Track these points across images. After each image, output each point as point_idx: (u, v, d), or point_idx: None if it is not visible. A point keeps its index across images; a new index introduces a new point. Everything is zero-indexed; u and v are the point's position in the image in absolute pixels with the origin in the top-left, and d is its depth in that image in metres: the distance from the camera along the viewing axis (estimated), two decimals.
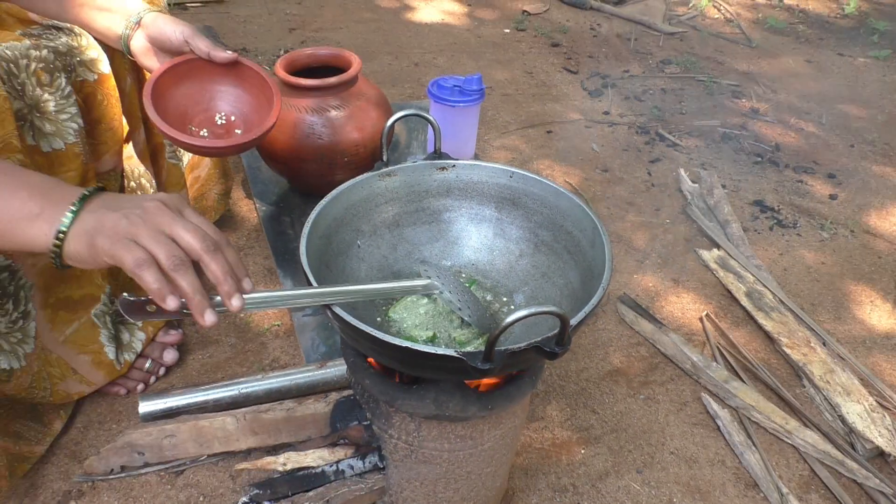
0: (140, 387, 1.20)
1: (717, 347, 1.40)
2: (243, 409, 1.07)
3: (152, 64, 1.06)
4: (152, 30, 1.03)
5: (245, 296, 0.72)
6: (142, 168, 1.21)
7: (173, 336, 1.25)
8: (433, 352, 0.71)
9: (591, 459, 1.16)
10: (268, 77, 1.13)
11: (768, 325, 1.43)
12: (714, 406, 1.26)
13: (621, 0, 3.12)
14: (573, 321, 0.74)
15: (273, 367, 1.26)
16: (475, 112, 1.58)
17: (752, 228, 1.76)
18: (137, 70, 1.20)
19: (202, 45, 1.05)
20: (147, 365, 1.21)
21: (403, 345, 0.72)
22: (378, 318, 0.95)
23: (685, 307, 1.51)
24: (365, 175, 0.98)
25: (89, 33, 1.07)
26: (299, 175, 1.54)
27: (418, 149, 1.84)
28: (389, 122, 0.98)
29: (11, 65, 0.94)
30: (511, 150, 2.00)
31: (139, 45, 1.05)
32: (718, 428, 1.23)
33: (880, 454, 1.20)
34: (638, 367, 1.35)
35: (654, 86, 2.46)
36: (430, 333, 0.91)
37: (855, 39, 2.98)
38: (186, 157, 1.38)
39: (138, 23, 1.03)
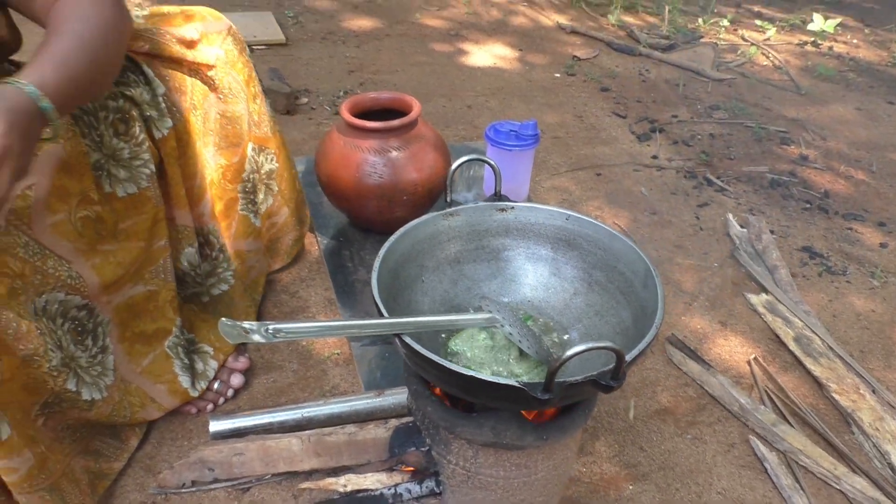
0: (210, 407, 1.27)
1: (766, 391, 1.41)
2: (308, 432, 1.13)
3: None
4: None
5: (324, 323, 0.79)
6: (211, 225, 1.27)
7: (242, 363, 1.32)
8: (497, 381, 0.77)
9: (638, 496, 1.19)
10: None
11: (817, 370, 1.45)
12: (762, 449, 1.28)
13: (670, 46, 3.19)
14: (628, 357, 0.79)
15: (333, 394, 1.32)
16: (530, 156, 1.65)
17: (800, 274, 1.78)
18: (210, 133, 1.25)
19: None
20: (216, 386, 1.28)
21: (468, 374, 0.78)
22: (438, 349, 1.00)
23: (733, 350, 1.53)
24: (430, 214, 1.04)
25: None
26: (360, 212, 1.62)
27: (470, 188, 1.91)
28: (454, 167, 1.05)
29: (91, 118, 1.01)
30: (561, 191, 2.06)
31: None
32: (766, 470, 1.25)
33: None
34: (685, 407, 1.38)
35: (702, 131, 2.50)
36: (490, 366, 0.96)
37: None
38: (264, 206, 1.45)
39: None
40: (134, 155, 1.07)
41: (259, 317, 1.47)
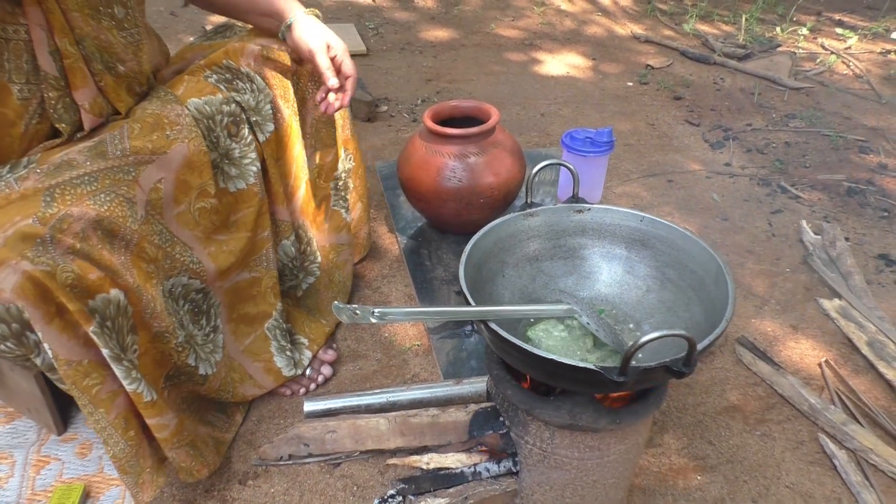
0: (302, 391, 1.38)
1: (836, 392, 1.44)
2: (394, 413, 1.22)
3: (307, 64, 1.27)
4: (290, 42, 1.24)
5: (421, 309, 0.88)
6: (301, 220, 1.38)
7: (330, 355, 1.43)
8: (576, 364, 0.84)
9: (707, 486, 1.23)
10: None
11: (890, 374, 1.46)
12: (831, 446, 1.30)
13: (746, 55, 3.18)
14: (700, 345, 0.85)
15: (414, 381, 1.42)
16: (604, 162, 1.71)
17: (875, 281, 1.78)
18: (307, 136, 1.37)
19: (321, 65, 1.22)
20: (308, 372, 1.39)
21: (550, 357, 0.85)
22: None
23: (804, 353, 1.55)
24: (512, 215, 1.13)
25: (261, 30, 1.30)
26: (439, 213, 1.72)
27: (545, 192, 1.98)
28: (535, 170, 1.13)
29: (210, 121, 1.14)
30: (633, 196, 2.11)
31: (291, 47, 1.25)
32: (835, 467, 1.28)
33: None
34: (754, 405, 1.41)
35: (777, 139, 2.51)
36: (568, 356, 1.03)
37: None
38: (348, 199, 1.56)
39: (289, 27, 1.23)
40: (243, 154, 1.19)
41: None
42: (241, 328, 1.29)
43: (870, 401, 1.42)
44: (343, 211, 1.49)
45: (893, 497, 1.22)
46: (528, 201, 1.16)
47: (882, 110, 2.77)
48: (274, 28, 1.26)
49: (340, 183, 1.47)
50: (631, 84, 2.97)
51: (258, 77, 1.23)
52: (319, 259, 1.44)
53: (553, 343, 1.06)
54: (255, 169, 1.21)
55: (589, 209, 1.15)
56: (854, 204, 2.12)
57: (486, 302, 1.07)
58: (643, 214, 1.13)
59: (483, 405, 1.21)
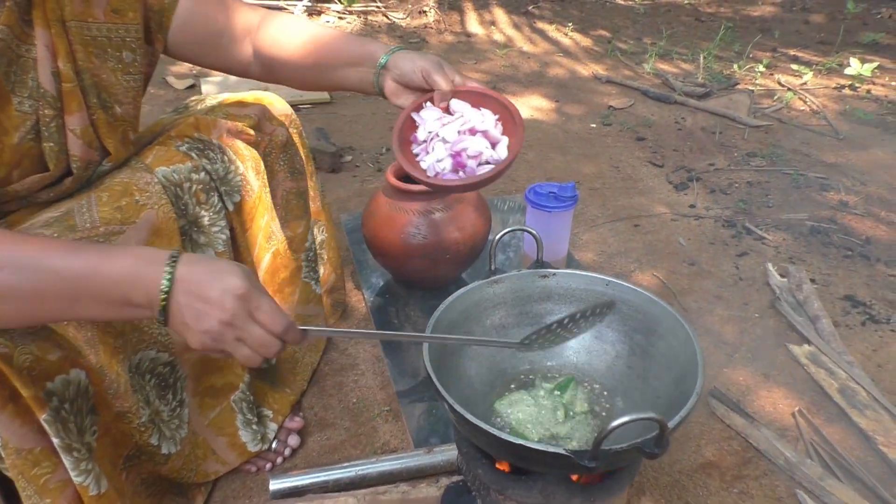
0: (268, 466, 1.33)
1: (811, 444, 1.42)
2: (363, 490, 1.18)
3: (404, 102, 1.16)
4: (394, 72, 1.13)
5: (346, 329, 0.91)
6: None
7: (297, 422, 1.39)
8: (545, 450, 0.81)
9: None
10: (509, 104, 1.14)
11: (863, 422, 1.45)
12: (810, 503, 1.28)
13: (706, 94, 3.23)
14: (670, 424, 0.83)
15: (384, 451, 1.38)
16: (569, 216, 1.71)
17: (843, 324, 1.79)
18: (277, 207, 1.36)
19: (440, 81, 1.11)
20: (274, 445, 1.34)
21: (517, 442, 0.83)
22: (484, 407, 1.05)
23: (777, 402, 1.54)
24: (476, 283, 1.10)
25: (343, 90, 1.23)
26: (405, 270, 1.69)
27: (511, 250, 1.97)
28: (497, 238, 1.11)
29: (178, 188, 1.12)
30: (599, 243, 2.11)
31: (390, 89, 1.16)
32: None
33: None
34: (730, 461, 1.39)
35: (739, 179, 2.53)
36: (534, 428, 1.01)
37: None
38: (320, 272, 1.54)
39: (384, 67, 1.13)
40: (213, 222, 1.17)
41: (313, 379, 1.54)
42: (207, 401, 1.25)
43: (845, 451, 1.41)
44: (313, 283, 1.46)
45: None
46: (492, 268, 1.13)
47: (840, 146, 2.82)
48: (365, 77, 1.16)
49: (311, 255, 1.45)
50: (594, 125, 2.99)
51: (229, 150, 1.22)
52: None
53: (522, 416, 1.03)
54: (223, 237, 1.19)
55: (554, 274, 1.14)
56: (818, 244, 2.14)
57: (453, 376, 1.04)
58: (609, 279, 1.11)
59: (455, 479, 1.17)
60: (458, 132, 1.10)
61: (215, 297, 0.80)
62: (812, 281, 1.93)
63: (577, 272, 1.13)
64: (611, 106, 3.17)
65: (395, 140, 1.12)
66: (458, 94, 1.12)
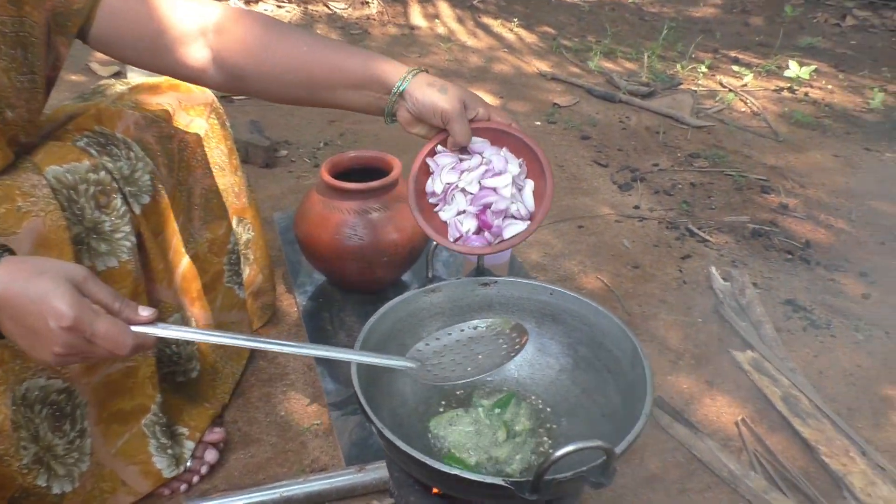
0: (183, 487, 1.22)
1: (755, 455, 1.39)
2: None
3: (420, 132, 1.01)
4: (411, 106, 0.97)
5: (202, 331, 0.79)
6: (181, 299, 1.22)
7: (217, 434, 1.28)
8: (483, 481, 0.74)
9: None
10: (535, 145, 1.00)
11: (805, 432, 1.43)
12: None
13: (650, 93, 3.22)
14: (618, 449, 0.77)
15: (313, 468, 1.28)
16: None
17: (785, 329, 1.77)
18: (195, 207, 1.24)
19: (459, 134, 0.96)
20: (189, 464, 1.23)
21: (452, 472, 0.75)
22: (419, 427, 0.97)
23: (720, 410, 1.51)
24: (411, 292, 1.02)
25: (341, 109, 1.03)
26: (339, 273, 1.60)
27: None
28: (435, 244, 1.03)
29: (71, 191, 0.98)
30: (544, 245, 2.05)
31: (404, 119, 1.00)
32: None
33: None
34: (674, 473, 1.35)
35: (683, 180, 2.52)
36: (471, 452, 0.93)
37: (881, 134, 3.02)
38: (244, 275, 1.43)
39: (400, 95, 0.97)
40: (115, 228, 1.04)
41: (237, 390, 1.43)
42: (114, 428, 1.12)
43: (787, 461, 1.38)
44: (236, 287, 1.35)
45: None
46: (429, 275, 1.05)
47: (780, 148, 2.83)
48: (373, 102, 0.99)
49: (234, 257, 1.34)
50: (539, 123, 2.94)
51: (136, 145, 1.09)
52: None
53: (459, 438, 0.95)
54: (128, 244, 1.06)
55: (495, 282, 1.06)
56: (759, 246, 2.13)
57: (386, 395, 0.96)
58: (553, 287, 1.05)
59: (387, 502, 1.09)
60: (480, 183, 0.98)
61: (43, 330, 0.70)
62: (754, 285, 1.91)
63: (520, 280, 1.05)
64: (556, 104, 3.13)
65: (411, 194, 0.98)
66: (475, 130, 0.99)
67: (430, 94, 0.94)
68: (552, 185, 0.96)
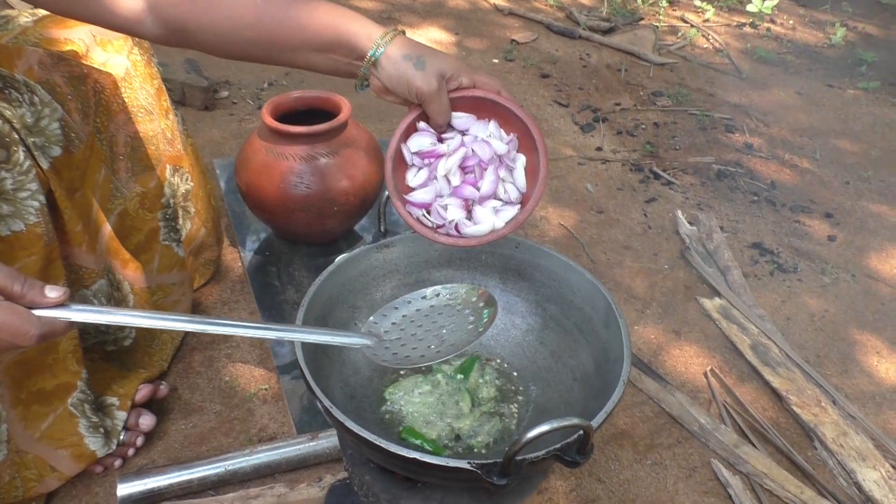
0: (118, 462, 1.11)
1: (724, 406, 1.34)
2: (231, 495, 1.00)
3: (394, 100, 0.85)
4: (384, 78, 0.81)
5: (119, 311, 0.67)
6: (109, 262, 1.10)
7: (145, 390, 1.14)
8: (446, 465, 0.65)
9: None
10: (531, 123, 0.84)
11: (776, 381, 1.39)
12: (725, 473, 1.20)
13: (611, 29, 3.10)
14: (594, 423, 0.69)
15: (261, 438, 1.19)
16: None
17: (752, 274, 1.72)
18: (119, 158, 1.11)
19: (437, 116, 0.83)
20: (122, 437, 1.12)
21: (412, 456, 0.66)
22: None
23: (689, 361, 1.46)
24: (361, 248, 0.92)
25: (311, 71, 0.87)
26: (286, 225, 1.48)
27: None
28: (387, 195, 0.92)
29: None
30: None
31: (376, 87, 0.84)
32: (730, 497, 1.18)
33: None
34: (643, 428, 1.30)
35: (646, 119, 2.43)
36: (432, 424, 0.85)
37: (843, 70, 2.97)
38: (184, 231, 1.30)
39: (374, 64, 0.81)
40: (18, 186, 0.90)
41: (177, 355, 1.31)
42: (35, 409, 1.00)
43: (757, 412, 1.34)
44: (175, 245, 1.22)
45: None
46: (382, 229, 0.95)
47: (743, 86, 2.76)
48: (341, 67, 0.84)
49: (170, 212, 1.20)
50: (497, 61, 2.80)
51: (40, 88, 0.94)
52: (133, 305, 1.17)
53: (417, 409, 0.87)
54: (36, 204, 0.92)
55: None
56: (725, 188, 2.06)
57: (337, 364, 0.86)
58: (519, 239, 0.95)
59: (340, 476, 1.01)
60: (463, 168, 0.84)
61: None
62: (721, 229, 1.85)
63: None
64: (514, 40, 2.98)
65: (389, 180, 0.83)
66: (459, 100, 0.84)
67: (405, 69, 0.80)
68: (546, 168, 0.82)
